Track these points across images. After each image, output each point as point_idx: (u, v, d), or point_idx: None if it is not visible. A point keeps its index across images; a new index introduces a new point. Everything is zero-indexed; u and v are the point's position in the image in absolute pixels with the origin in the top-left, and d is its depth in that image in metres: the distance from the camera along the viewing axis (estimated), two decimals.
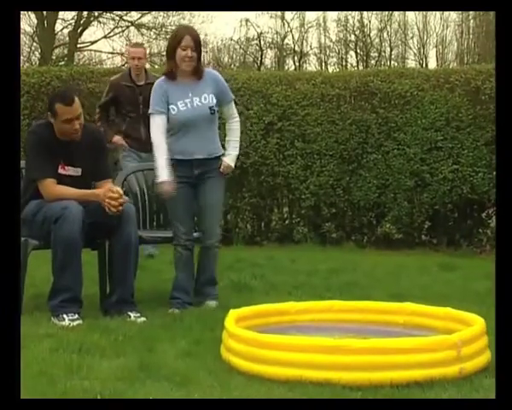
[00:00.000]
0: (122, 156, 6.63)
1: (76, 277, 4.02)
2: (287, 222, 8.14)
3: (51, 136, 4.21)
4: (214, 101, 4.42)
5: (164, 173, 4.28)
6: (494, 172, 7.40)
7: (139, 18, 19.02)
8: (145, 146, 5.89)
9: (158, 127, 4.35)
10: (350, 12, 23.50)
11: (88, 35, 22.04)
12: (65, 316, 3.92)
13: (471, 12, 22.23)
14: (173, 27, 19.75)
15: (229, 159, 4.50)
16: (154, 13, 18.94)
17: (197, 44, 4.37)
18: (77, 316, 3.94)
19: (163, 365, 3.11)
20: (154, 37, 19.68)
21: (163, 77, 4.47)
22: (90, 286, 4.37)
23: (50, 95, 3.97)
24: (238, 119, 4.63)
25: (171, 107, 4.35)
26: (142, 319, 4.05)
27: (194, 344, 3.46)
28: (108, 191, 4.08)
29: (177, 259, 4.48)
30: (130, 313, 4.08)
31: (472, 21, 23.08)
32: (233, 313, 3.37)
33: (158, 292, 4.92)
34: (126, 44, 18.69)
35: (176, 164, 4.36)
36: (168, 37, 19.57)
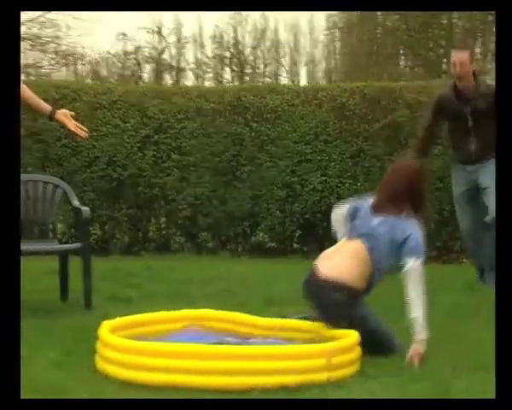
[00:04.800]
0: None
1: None
2: (164, 232, 8.06)
3: None
4: None
5: None
6: (359, 183, 7.67)
7: None
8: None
9: None
10: (225, 29, 23.71)
11: None
12: None
13: (336, 34, 23.03)
14: (49, 39, 19.18)
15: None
16: (28, 24, 18.30)
17: None
18: None
19: (33, 376, 2.97)
20: (29, 48, 19.03)
21: None
22: None
23: None
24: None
25: None
26: None
27: (67, 355, 3.33)
28: None
29: None
30: None
31: (338, 43, 23.90)
32: (107, 324, 3.28)
33: (30, 303, 4.67)
34: None
35: None
36: (44, 48, 19.08)
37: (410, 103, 7.54)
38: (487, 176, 5.30)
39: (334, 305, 3.39)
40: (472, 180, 5.57)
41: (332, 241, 9.08)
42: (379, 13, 19.02)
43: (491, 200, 5.20)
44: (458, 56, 5.30)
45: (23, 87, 4.19)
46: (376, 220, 3.52)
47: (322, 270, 3.47)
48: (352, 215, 3.69)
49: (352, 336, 3.22)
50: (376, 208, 3.56)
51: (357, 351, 3.21)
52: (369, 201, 3.67)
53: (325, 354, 3.00)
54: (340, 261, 3.50)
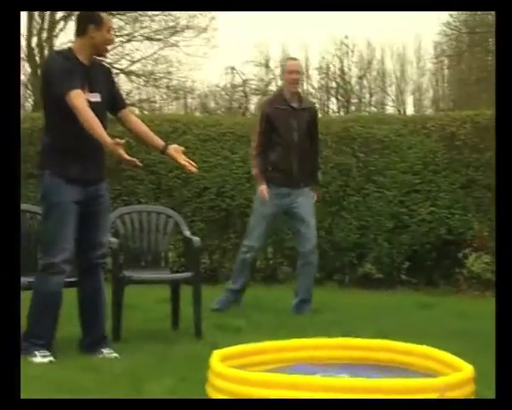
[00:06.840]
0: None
1: (51, 327, 3.98)
2: (271, 262, 8.11)
3: (74, 60, 3.99)
4: None
5: None
6: (469, 214, 7.46)
7: (129, 66, 19.19)
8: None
9: None
10: (331, 60, 23.80)
11: None
12: (36, 353, 3.85)
13: (446, 61, 22.62)
14: (161, 75, 19.98)
15: None
16: (143, 61, 19.08)
17: None
18: (49, 353, 3.88)
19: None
20: (143, 84, 19.82)
21: None
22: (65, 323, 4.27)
23: (81, 13, 3.97)
24: None
25: None
26: (114, 355, 4.00)
27: (181, 381, 3.40)
28: (115, 141, 3.85)
29: None
30: (102, 349, 4.04)
31: (446, 70, 23.48)
32: (217, 354, 3.32)
33: (145, 331, 4.86)
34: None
35: None
36: (157, 84, 19.85)
37: None
38: (307, 208, 5.58)
39: None
40: (284, 204, 5.61)
41: (441, 272, 8.76)
42: (490, 39, 18.54)
43: (311, 232, 5.58)
44: (294, 64, 5.73)
45: (139, 123, 4.35)
46: None
47: None
48: None
49: (466, 371, 3.12)
50: None
51: (471, 387, 3.10)
52: None
53: (438, 389, 2.92)
54: None
